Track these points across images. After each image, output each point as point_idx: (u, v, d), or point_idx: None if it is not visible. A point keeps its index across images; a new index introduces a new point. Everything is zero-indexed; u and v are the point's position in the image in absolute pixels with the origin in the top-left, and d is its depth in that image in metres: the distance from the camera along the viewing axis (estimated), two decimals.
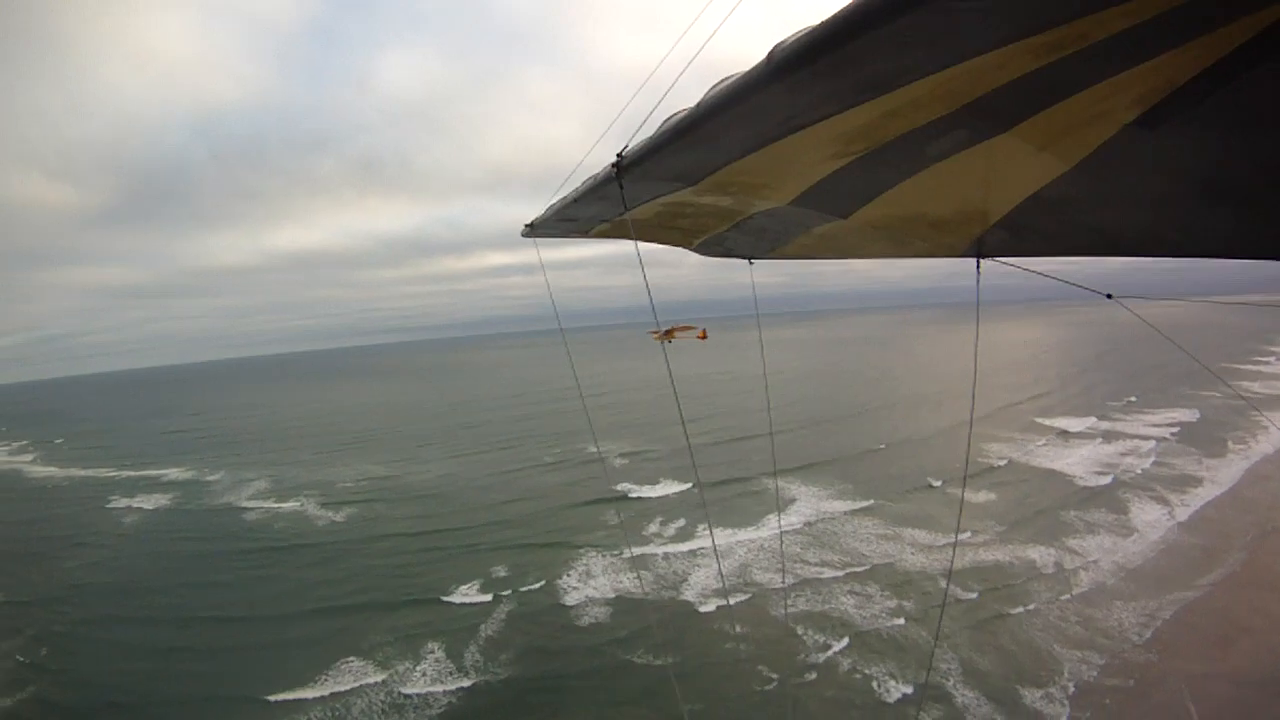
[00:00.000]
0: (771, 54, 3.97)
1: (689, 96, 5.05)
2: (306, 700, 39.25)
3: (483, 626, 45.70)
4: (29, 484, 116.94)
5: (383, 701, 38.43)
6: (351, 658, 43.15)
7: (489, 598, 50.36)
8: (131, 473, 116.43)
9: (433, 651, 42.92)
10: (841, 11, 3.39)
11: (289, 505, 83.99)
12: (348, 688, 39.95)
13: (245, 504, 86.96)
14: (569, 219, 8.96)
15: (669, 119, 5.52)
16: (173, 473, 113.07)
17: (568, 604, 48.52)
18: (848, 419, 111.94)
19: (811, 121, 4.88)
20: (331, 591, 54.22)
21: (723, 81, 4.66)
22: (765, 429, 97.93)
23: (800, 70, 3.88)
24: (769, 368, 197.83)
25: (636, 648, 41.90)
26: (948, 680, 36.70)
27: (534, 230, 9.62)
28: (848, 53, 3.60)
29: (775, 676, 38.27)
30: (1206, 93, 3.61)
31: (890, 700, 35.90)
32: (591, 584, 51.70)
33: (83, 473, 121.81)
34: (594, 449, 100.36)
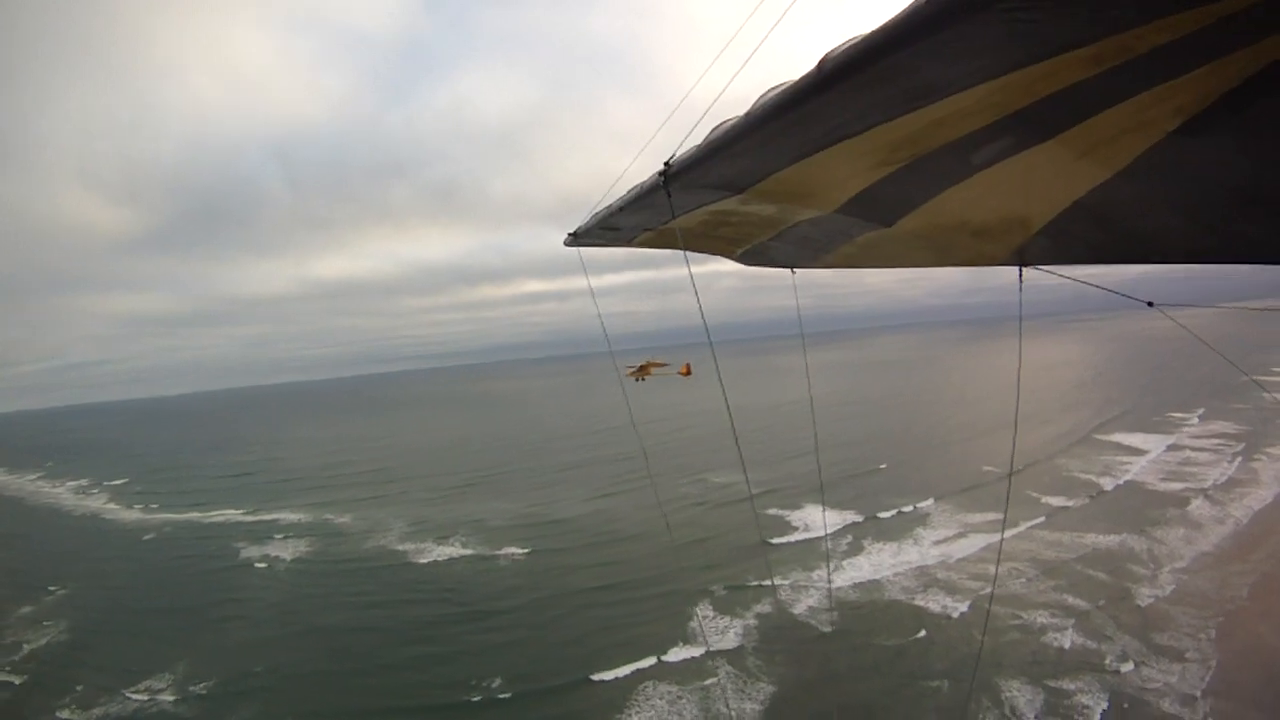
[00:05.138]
0: (822, 62, 4.08)
1: (734, 109, 5.40)
2: None
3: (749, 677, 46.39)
4: (126, 532, 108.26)
5: None
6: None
7: (737, 638, 51.69)
8: (241, 518, 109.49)
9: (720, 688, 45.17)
10: (893, 20, 3.49)
11: (452, 551, 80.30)
12: None
13: (400, 548, 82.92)
14: (612, 228, 9.15)
15: (717, 127, 5.71)
16: (288, 516, 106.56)
17: (810, 633, 52.14)
18: (939, 448, 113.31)
19: (859, 130, 5.05)
20: (575, 653, 51.64)
21: (771, 90, 4.81)
22: (876, 461, 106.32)
23: (850, 79, 4.01)
24: (824, 393, 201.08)
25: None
26: (1106, 628, 48.32)
27: (577, 240, 9.82)
28: (898, 62, 3.73)
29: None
30: (1246, 103, 3.77)
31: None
32: (805, 606, 56.18)
33: (179, 518, 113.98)
34: (719, 480, 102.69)
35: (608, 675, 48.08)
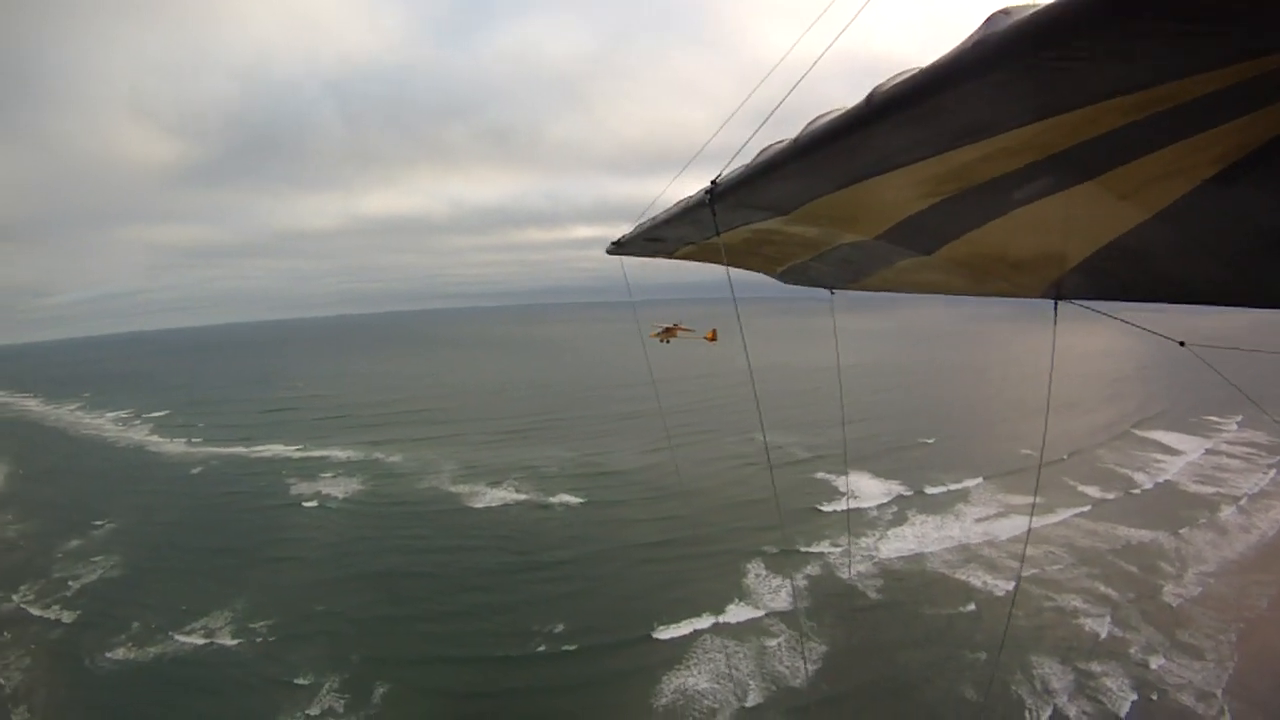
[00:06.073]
0: (871, 96, 4.17)
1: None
2: None
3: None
4: (172, 465, 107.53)
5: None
6: (711, 666, 46.13)
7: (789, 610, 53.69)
8: (290, 454, 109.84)
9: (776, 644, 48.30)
10: (939, 62, 3.62)
11: (506, 496, 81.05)
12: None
13: (453, 491, 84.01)
14: (656, 239, 9.58)
15: (765, 150, 5.70)
16: (336, 454, 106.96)
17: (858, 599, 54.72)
18: (982, 426, 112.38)
19: (905, 162, 5.11)
20: (635, 608, 53.31)
21: (821, 118, 4.87)
22: (920, 434, 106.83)
23: (898, 114, 4.10)
24: (868, 361, 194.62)
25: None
26: (1133, 620, 51.10)
27: (620, 249, 10.31)
28: (945, 101, 3.84)
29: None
30: None
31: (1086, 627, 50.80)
32: (854, 572, 59.04)
33: (225, 452, 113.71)
34: (763, 439, 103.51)
35: (668, 633, 49.69)
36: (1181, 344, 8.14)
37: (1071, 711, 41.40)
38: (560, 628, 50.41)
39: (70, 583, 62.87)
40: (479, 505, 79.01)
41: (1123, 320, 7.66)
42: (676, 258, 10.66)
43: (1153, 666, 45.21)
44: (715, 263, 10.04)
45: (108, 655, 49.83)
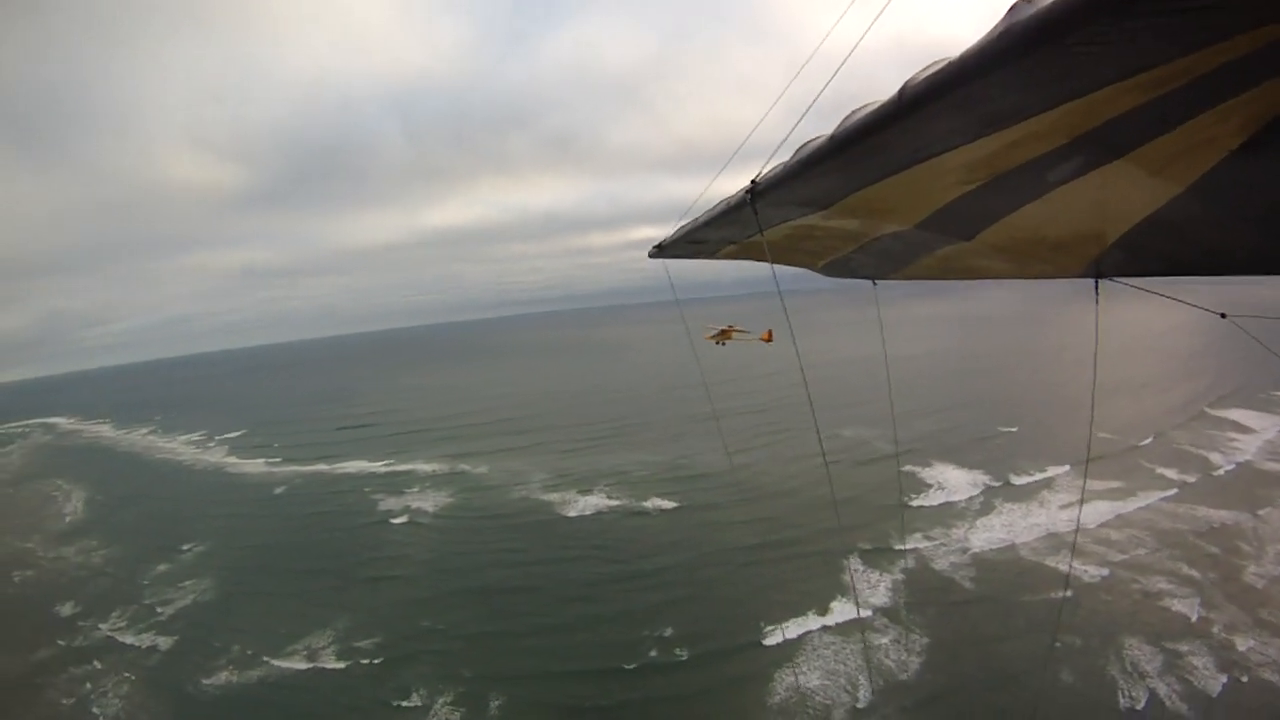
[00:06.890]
0: (903, 90, 4.40)
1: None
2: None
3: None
4: (254, 486, 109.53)
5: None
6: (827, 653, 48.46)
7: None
8: (372, 469, 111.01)
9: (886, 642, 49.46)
10: (967, 53, 3.82)
11: (598, 503, 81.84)
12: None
13: (544, 500, 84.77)
14: (698, 241, 9.73)
15: (803, 147, 5.96)
16: (421, 467, 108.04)
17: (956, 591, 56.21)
18: (1060, 413, 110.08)
19: (939, 151, 5.34)
20: (741, 613, 53.82)
21: (856, 113, 5.13)
22: (1000, 423, 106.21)
23: (930, 106, 4.32)
24: (938, 349, 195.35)
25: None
26: (1215, 596, 52.53)
27: (662, 252, 10.59)
28: (973, 91, 4.03)
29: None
30: None
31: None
32: (947, 563, 60.77)
33: (306, 470, 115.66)
34: (849, 434, 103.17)
35: (777, 636, 50.22)
36: (1223, 316, 8.52)
37: (1162, 690, 42.75)
38: (669, 633, 51.20)
39: (160, 608, 64.42)
40: (572, 514, 79.75)
41: (1163, 295, 7.96)
42: (719, 258, 11.06)
43: (1239, 647, 46.24)
44: (757, 260, 10.34)
45: (207, 681, 50.95)
